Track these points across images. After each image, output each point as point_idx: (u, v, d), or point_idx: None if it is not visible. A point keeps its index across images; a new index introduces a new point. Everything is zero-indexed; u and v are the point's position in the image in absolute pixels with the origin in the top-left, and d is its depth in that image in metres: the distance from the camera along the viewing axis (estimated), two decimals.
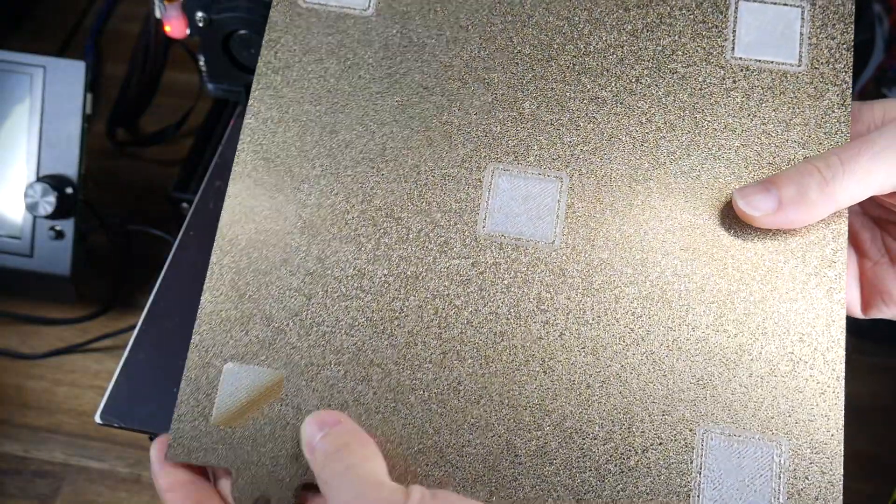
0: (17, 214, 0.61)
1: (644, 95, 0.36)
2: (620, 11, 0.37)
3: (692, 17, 0.36)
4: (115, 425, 0.47)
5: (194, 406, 0.33)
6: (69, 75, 0.60)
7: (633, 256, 0.34)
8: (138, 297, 0.67)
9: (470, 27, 0.37)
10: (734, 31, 0.36)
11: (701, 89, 0.36)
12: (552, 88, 0.36)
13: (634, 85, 0.36)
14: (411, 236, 0.34)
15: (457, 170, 0.35)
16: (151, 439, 0.53)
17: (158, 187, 0.72)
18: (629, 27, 0.36)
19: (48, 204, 0.59)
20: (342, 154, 0.35)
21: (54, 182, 0.59)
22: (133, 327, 0.50)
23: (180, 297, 0.52)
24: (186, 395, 0.33)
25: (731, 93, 0.35)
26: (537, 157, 0.35)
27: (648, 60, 0.36)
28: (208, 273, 0.36)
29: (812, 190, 0.32)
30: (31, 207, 0.59)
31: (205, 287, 0.36)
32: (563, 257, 0.34)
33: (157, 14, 0.59)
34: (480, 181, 0.35)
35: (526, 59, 0.36)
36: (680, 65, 0.36)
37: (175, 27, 0.58)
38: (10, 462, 0.60)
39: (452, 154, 0.35)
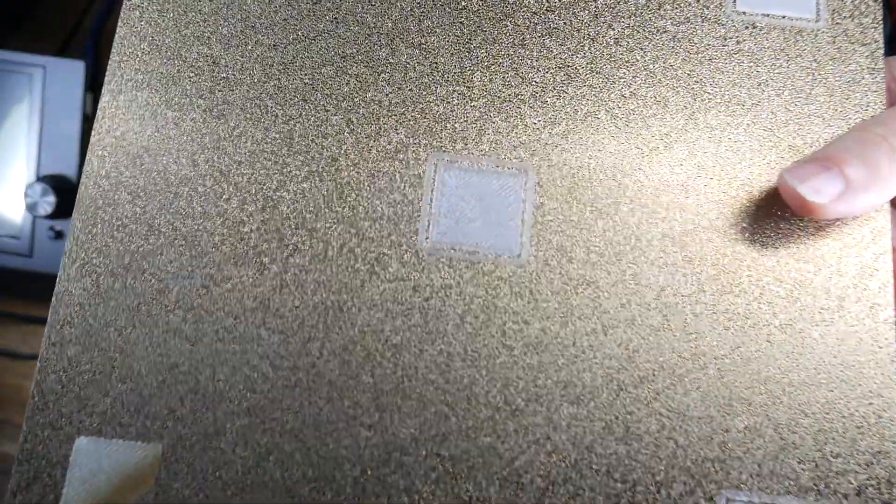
0: (16, 214, 0.61)
1: (626, 62, 0.28)
2: None
3: None
4: None
5: (37, 490, 0.24)
6: (69, 75, 0.60)
7: (622, 271, 0.26)
8: None
9: None
10: None
11: (697, 53, 0.28)
12: (508, 55, 0.28)
13: (613, 48, 0.28)
14: (331, 254, 0.26)
15: (388, 163, 0.26)
16: None
17: None
18: None
19: (48, 204, 0.59)
20: (233, 146, 0.26)
21: (54, 182, 0.59)
22: None
23: None
24: (23, 473, 0.24)
25: (735, 56, 0.28)
26: (493, 144, 0.27)
27: (630, 17, 0.28)
28: (54, 299, 0.25)
29: (883, 164, 0.24)
30: (31, 207, 0.59)
31: (49, 320, 0.25)
32: (533, 275, 0.26)
33: None
34: (420, 177, 0.26)
35: (473, 16, 0.28)
36: (670, 22, 0.28)
37: None
38: (10, 462, 0.59)
39: (381, 142, 0.27)
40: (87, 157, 0.26)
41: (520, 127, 0.27)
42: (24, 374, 0.64)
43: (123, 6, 0.26)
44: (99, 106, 0.25)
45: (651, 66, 0.28)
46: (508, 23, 0.28)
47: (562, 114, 0.27)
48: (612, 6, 0.28)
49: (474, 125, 0.27)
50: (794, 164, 0.26)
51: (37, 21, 0.85)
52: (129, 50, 0.26)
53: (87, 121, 0.61)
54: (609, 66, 0.28)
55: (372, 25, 0.27)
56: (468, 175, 0.26)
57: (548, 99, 0.27)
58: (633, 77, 0.28)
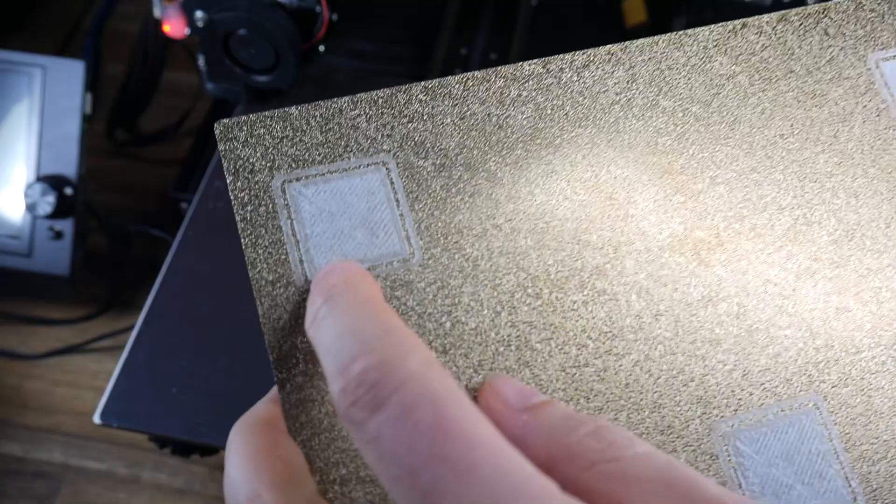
0: (16, 214, 0.61)
1: None
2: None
3: None
4: (114, 426, 0.47)
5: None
6: (68, 75, 0.60)
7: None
8: (138, 297, 0.66)
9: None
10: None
11: None
12: None
13: None
14: None
15: None
16: (150, 439, 0.53)
17: (158, 187, 0.72)
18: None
19: (47, 204, 0.59)
20: None
21: (53, 182, 0.59)
22: (132, 327, 0.50)
23: (180, 297, 0.52)
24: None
25: None
26: None
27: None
28: None
29: None
30: (31, 207, 0.59)
31: None
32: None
33: (156, 13, 0.59)
34: None
35: None
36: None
37: (174, 27, 0.58)
38: (9, 462, 0.60)
39: None
40: None
41: None
42: (24, 374, 0.64)
43: None
44: None
45: None
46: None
47: None
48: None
49: None
50: None
51: (36, 21, 0.85)
52: None
53: (87, 121, 0.61)
54: None
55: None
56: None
57: None
58: None
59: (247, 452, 0.21)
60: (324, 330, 0.19)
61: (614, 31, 0.69)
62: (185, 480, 0.58)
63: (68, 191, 0.59)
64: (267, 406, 0.23)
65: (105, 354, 0.65)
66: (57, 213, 0.59)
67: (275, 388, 0.23)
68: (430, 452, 0.16)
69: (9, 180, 0.61)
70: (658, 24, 0.67)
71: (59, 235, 0.61)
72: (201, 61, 0.61)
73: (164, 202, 0.66)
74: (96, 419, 0.47)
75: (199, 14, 0.57)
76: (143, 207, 0.71)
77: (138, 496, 0.58)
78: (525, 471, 0.16)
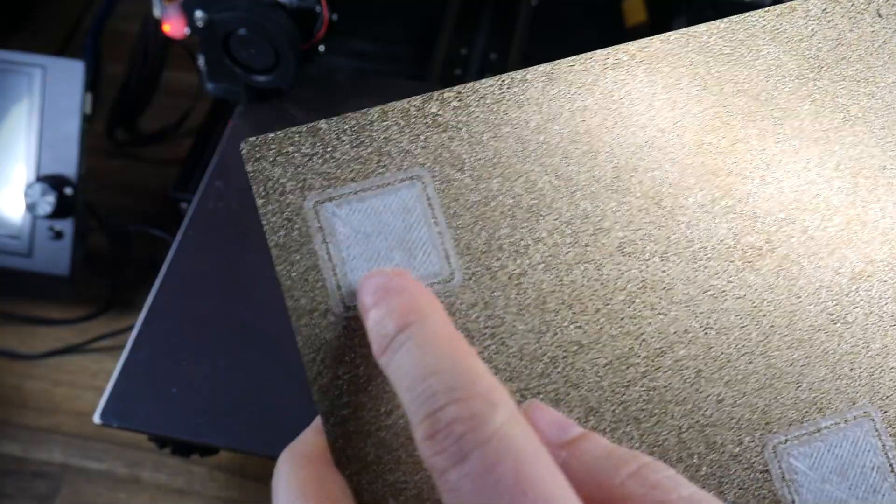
0: (16, 214, 0.61)
1: None
2: None
3: None
4: (115, 425, 0.47)
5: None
6: (68, 75, 0.60)
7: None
8: (137, 297, 0.66)
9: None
10: None
11: None
12: None
13: None
14: None
15: None
16: (150, 439, 0.53)
17: (158, 187, 0.72)
18: None
19: (47, 204, 0.59)
20: None
21: (53, 182, 0.59)
22: (132, 327, 0.50)
23: (180, 297, 0.52)
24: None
25: None
26: None
27: None
28: None
29: None
30: (31, 207, 0.59)
31: None
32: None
33: (156, 13, 0.59)
34: None
35: None
36: None
37: (174, 26, 0.58)
38: (9, 462, 0.59)
39: None
40: None
41: None
42: (24, 374, 0.64)
43: None
44: None
45: None
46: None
47: None
48: None
49: None
50: None
51: (36, 21, 0.85)
52: None
53: (87, 121, 0.61)
54: None
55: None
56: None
57: None
58: None
59: (296, 486, 0.21)
60: (403, 363, 0.19)
61: (614, 31, 0.69)
62: (185, 480, 0.58)
63: (68, 191, 0.59)
64: (315, 437, 0.22)
65: (105, 354, 0.64)
66: (57, 213, 0.59)
67: (318, 419, 0.22)
68: None
69: (9, 180, 0.61)
70: (658, 24, 0.67)
71: (59, 235, 0.61)
72: (201, 61, 0.61)
73: (164, 202, 0.66)
74: (96, 419, 0.47)
75: (199, 14, 0.57)
76: (143, 207, 0.71)
77: (138, 496, 0.58)
78: None
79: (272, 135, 0.23)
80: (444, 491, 0.17)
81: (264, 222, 0.23)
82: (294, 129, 0.23)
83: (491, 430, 0.17)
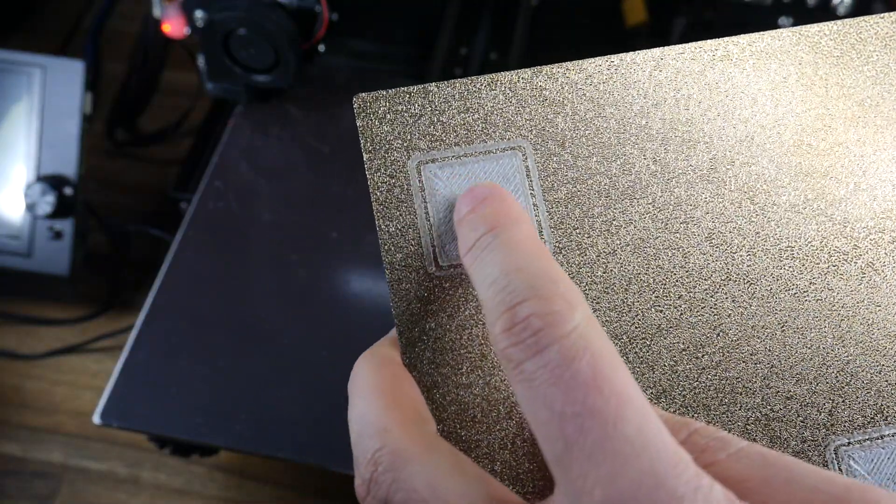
0: (16, 214, 0.61)
1: None
2: None
3: None
4: (114, 425, 0.47)
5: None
6: (68, 75, 0.60)
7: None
8: (137, 297, 0.66)
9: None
10: None
11: None
12: None
13: None
14: None
15: None
16: (150, 439, 0.53)
17: (157, 187, 0.72)
18: None
19: (47, 204, 0.59)
20: None
21: (53, 182, 0.59)
22: (132, 327, 0.50)
23: (180, 297, 0.52)
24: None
25: None
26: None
27: None
28: None
29: None
30: (31, 207, 0.59)
31: None
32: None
33: (156, 13, 0.59)
34: None
35: None
36: None
37: (174, 26, 0.58)
38: (9, 462, 0.59)
39: None
40: None
41: None
42: (24, 374, 0.64)
43: None
44: None
45: None
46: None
47: None
48: None
49: None
50: None
51: (36, 21, 0.85)
52: None
53: (87, 120, 0.61)
54: None
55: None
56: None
57: None
58: None
59: (375, 384, 0.21)
60: (489, 261, 0.20)
61: (614, 31, 0.69)
62: (185, 480, 0.58)
63: (68, 191, 0.59)
64: (390, 348, 0.23)
65: (105, 354, 0.64)
66: (57, 213, 0.59)
67: (394, 330, 0.23)
68: (584, 403, 0.16)
69: (8, 180, 0.61)
70: (658, 24, 0.67)
71: (58, 235, 0.61)
72: (201, 61, 0.61)
73: (164, 202, 0.66)
74: (96, 419, 0.47)
75: (198, 14, 0.57)
76: (143, 207, 0.71)
77: (138, 496, 0.58)
78: (665, 437, 0.17)
79: (384, 91, 0.24)
80: (517, 382, 0.18)
81: (368, 176, 0.23)
82: (405, 88, 0.24)
83: (570, 326, 0.17)
